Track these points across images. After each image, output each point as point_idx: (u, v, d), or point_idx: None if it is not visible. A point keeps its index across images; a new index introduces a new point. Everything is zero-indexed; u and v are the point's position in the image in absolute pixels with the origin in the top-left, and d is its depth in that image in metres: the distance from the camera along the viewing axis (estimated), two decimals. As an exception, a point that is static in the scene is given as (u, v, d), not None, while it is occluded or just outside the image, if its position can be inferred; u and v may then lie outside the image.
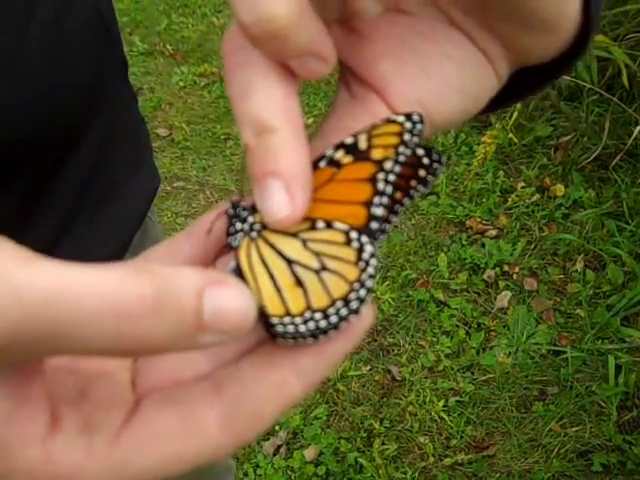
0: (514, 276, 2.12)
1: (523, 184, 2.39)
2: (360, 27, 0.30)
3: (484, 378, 1.88)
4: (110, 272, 0.21)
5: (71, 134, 0.54)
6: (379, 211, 0.27)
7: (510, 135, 2.41)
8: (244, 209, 0.28)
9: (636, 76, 2.15)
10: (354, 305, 0.26)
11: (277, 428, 1.82)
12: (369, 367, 1.94)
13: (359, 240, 0.27)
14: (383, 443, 1.78)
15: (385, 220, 0.29)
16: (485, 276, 2.13)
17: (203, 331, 0.22)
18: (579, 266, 2.11)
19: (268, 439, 1.80)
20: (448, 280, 2.13)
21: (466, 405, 1.83)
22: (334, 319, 0.26)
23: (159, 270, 0.21)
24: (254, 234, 0.27)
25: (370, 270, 0.26)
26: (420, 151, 0.29)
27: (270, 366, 0.26)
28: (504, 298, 2.06)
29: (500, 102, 0.34)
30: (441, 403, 1.83)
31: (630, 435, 1.70)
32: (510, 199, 2.35)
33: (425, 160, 0.29)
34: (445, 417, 1.81)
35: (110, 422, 0.24)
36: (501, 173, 2.43)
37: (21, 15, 0.45)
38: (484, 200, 2.36)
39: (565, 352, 1.89)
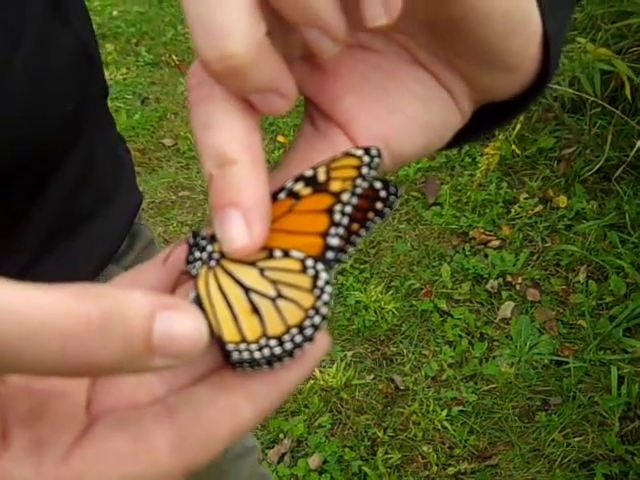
0: (517, 286, 2.13)
1: (526, 195, 2.40)
2: (324, 63, 0.31)
3: (487, 388, 1.89)
4: (58, 292, 0.20)
5: (53, 156, 0.55)
6: (334, 241, 0.28)
7: (513, 147, 2.42)
8: (203, 238, 0.28)
9: (639, 89, 2.16)
10: (308, 332, 0.26)
11: (281, 436, 1.83)
12: (373, 376, 1.95)
13: (314, 268, 0.27)
14: (387, 452, 1.78)
15: (341, 250, 0.29)
16: (488, 286, 2.14)
17: (152, 354, 0.21)
18: (582, 277, 2.12)
19: (272, 447, 1.81)
20: (451, 290, 2.14)
21: (469, 415, 1.84)
22: (289, 346, 0.26)
23: (109, 291, 0.21)
24: (213, 263, 0.28)
25: (325, 297, 0.27)
26: (378, 184, 0.29)
27: (222, 391, 0.26)
28: (507, 308, 2.07)
29: (463, 137, 0.35)
30: (444, 412, 1.84)
31: (632, 445, 1.71)
32: (513, 210, 2.36)
33: (382, 193, 0.29)
34: (448, 426, 1.82)
35: (61, 441, 0.24)
36: (504, 184, 2.44)
37: (4, 47, 0.45)
38: (487, 211, 2.38)
39: (568, 362, 1.90)
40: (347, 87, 0.31)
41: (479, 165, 2.38)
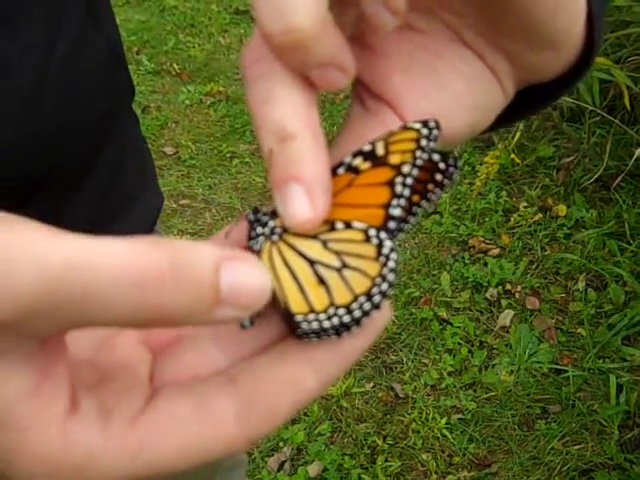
0: (516, 295, 2.14)
1: (525, 204, 2.41)
2: (373, 43, 0.31)
3: (486, 396, 1.90)
4: (131, 243, 0.21)
5: (85, 161, 0.56)
6: (397, 212, 0.28)
7: (512, 155, 2.43)
8: (264, 214, 0.29)
9: (638, 98, 2.18)
10: (377, 299, 0.26)
11: (281, 444, 1.83)
12: (372, 384, 1.96)
13: (378, 237, 0.27)
14: (386, 460, 1.79)
15: (403, 220, 0.29)
16: (487, 295, 2.14)
17: (220, 304, 0.22)
18: (581, 285, 2.12)
19: (272, 455, 1.82)
20: (451, 298, 2.15)
21: (469, 423, 1.85)
22: (358, 314, 0.26)
23: (178, 243, 0.22)
24: (275, 237, 0.28)
25: (391, 264, 0.27)
26: (436, 156, 0.29)
27: (285, 361, 0.26)
28: (506, 317, 2.08)
29: (505, 120, 0.36)
30: (444, 420, 1.85)
31: (632, 454, 1.71)
32: (512, 219, 2.37)
33: (441, 165, 0.30)
34: (448, 434, 1.82)
35: (127, 407, 0.25)
36: (504, 193, 2.45)
37: (42, 53, 0.46)
38: (487, 219, 2.38)
39: (567, 371, 1.90)
40: (395, 66, 0.31)
41: (478, 174, 2.39)
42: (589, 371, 1.89)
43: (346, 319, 0.26)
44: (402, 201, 0.28)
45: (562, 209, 2.34)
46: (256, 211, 0.29)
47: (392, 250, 0.27)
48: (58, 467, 0.23)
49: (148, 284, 0.21)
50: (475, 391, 1.92)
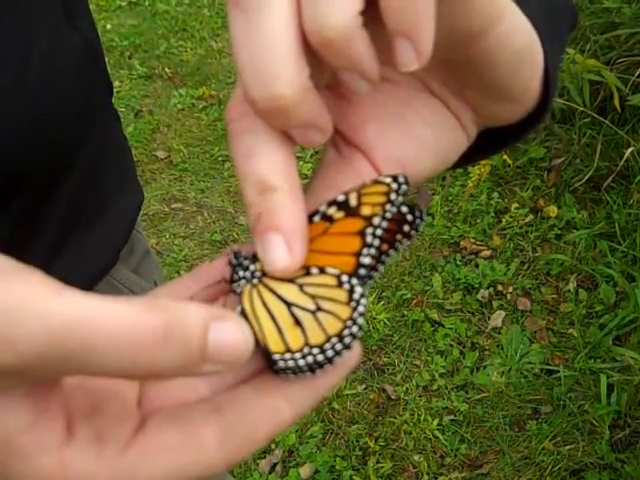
0: (508, 296, 2.14)
1: (517, 205, 2.41)
2: (347, 93, 0.33)
3: (478, 397, 1.90)
4: (128, 305, 0.23)
5: (64, 158, 0.56)
6: (367, 260, 0.30)
7: (504, 157, 2.44)
8: (245, 258, 0.31)
9: (628, 99, 2.18)
10: (347, 340, 0.29)
11: (273, 446, 1.83)
12: (364, 386, 1.96)
13: (349, 282, 0.30)
14: (378, 461, 1.79)
15: (372, 268, 0.31)
16: (479, 296, 2.15)
17: (206, 361, 0.24)
18: (572, 286, 2.13)
19: (264, 457, 1.82)
20: (442, 300, 2.15)
21: (460, 424, 1.85)
22: (330, 353, 0.28)
23: (170, 305, 0.24)
24: (255, 280, 0.30)
25: (361, 309, 0.29)
26: (404, 209, 0.32)
27: (265, 393, 0.28)
28: (498, 318, 2.08)
29: (466, 159, 0.38)
30: (435, 422, 1.85)
31: (622, 453, 1.72)
32: (504, 220, 2.38)
33: (409, 217, 0.32)
34: (439, 436, 1.82)
35: (119, 434, 0.27)
36: (495, 194, 2.46)
37: (22, 46, 0.47)
38: (478, 221, 2.39)
39: (558, 371, 1.91)
40: (368, 116, 0.34)
41: (470, 175, 2.40)
42: (580, 371, 1.90)
43: (319, 358, 0.28)
44: (372, 250, 0.31)
45: (553, 210, 2.35)
46: (237, 255, 0.31)
47: (362, 296, 0.29)
48: None
49: (143, 345, 0.23)
50: (467, 392, 1.92)
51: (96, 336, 0.22)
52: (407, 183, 0.31)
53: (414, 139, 0.34)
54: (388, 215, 0.31)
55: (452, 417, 1.87)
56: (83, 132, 0.57)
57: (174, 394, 0.29)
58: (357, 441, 1.83)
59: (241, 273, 0.31)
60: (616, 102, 2.10)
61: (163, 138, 3.08)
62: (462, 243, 2.33)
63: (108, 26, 3.95)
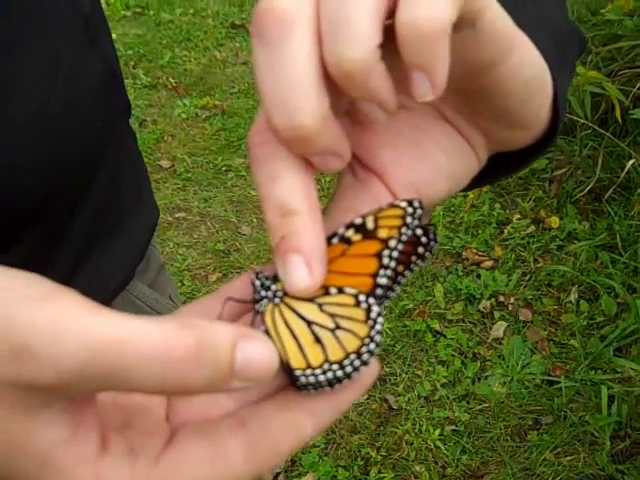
0: (509, 307, 2.15)
1: (519, 216, 2.43)
2: (364, 120, 0.34)
3: (479, 407, 1.91)
4: (161, 325, 0.25)
5: (85, 177, 0.57)
6: (383, 280, 0.32)
7: (506, 168, 2.44)
8: (267, 278, 0.32)
9: (629, 111, 2.19)
10: (365, 357, 0.30)
11: (275, 456, 1.84)
12: (366, 396, 1.97)
13: (367, 302, 0.31)
14: (380, 471, 1.80)
15: (389, 288, 0.33)
16: (481, 306, 2.16)
17: (233, 378, 0.26)
18: (573, 297, 2.14)
19: (266, 467, 1.82)
20: (444, 310, 2.16)
21: (462, 434, 1.86)
22: (349, 369, 0.30)
23: (200, 324, 0.25)
24: (277, 300, 0.32)
25: (378, 327, 0.31)
26: (419, 231, 0.33)
27: (287, 408, 0.30)
28: (499, 328, 2.09)
29: (478, 181, 0.40)
30: (437, 432, 1.86)
31: (623, 465, 1.73)
32: (506, 231, 2.39)
33: (423, 239, 0.34)
34: (441, 446, 1.83)
35: (151, 447, 0.28)
36: (497, 205, 2.47)
37: (47, 75, 0.48)
38: (480, 232, 2.40)
39: (559, 382, 1.92)
40: (384, 142, 0.35)
41: (472, 186, 2.40)
42: (581, 382, 1.91)
43: (339, 374, 0.30)
44: (388, 272, 0.32)
45: (555, 221, 2.36)
46: (258, 275, 0.33)
47: (379, 315, 0.31)
48: None
49: (175, 364, 0.24)
50: (468, 402, 1.93)
51: (130, 356, 0.24)
52: (422, 207, 0.32)
53: (429, 164, 0.36)
54: (404, 238, 0.32)
55: (453, 427, 1.87)
56: (102, 152, 0.58)
57: (200, 409, 0.31)
58: (359, 451, 1.84)
59: (263, 293, 0.32)
60: (618, 114, 2.11)
61: (167, 147, 3.10)
62: (464, 254, 2.34)
63: (113, 36, 3.91)
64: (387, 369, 2.03)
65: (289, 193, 0.29)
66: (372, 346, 0.30)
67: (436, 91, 0.27)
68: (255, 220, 2.65)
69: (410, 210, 0.32)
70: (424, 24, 0.26)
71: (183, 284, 2.36)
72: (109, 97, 0.57)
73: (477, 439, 1.85)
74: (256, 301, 0.32)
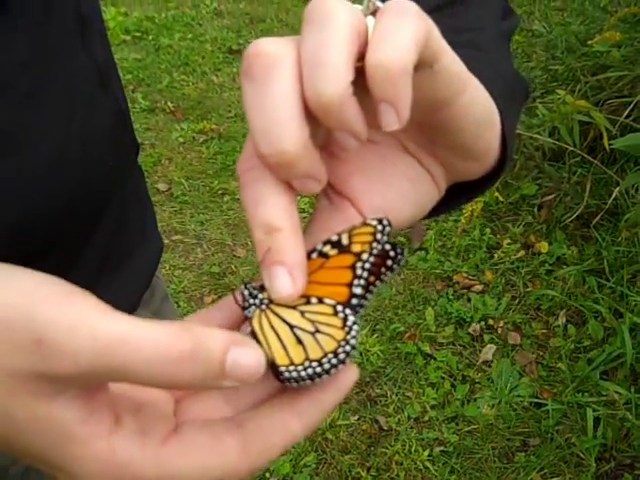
0: (498, 330, 2.19)
1: (509, 241, 2.47)
2: (337, 151, 0.40)
3: (468, 429, 1.94)
4: (164, 328, 0.29)
5: (95, 214, 0.60)
6: (358, 290, 0.37)
7: (496, 193, 2.49)
8: (254, 288, 0.37)
9: (616, 139, 2.24)
10: (342, 356, 0.34)
11: (267, 475, 1.87)
12: (357, 417, 2.00)
13: (344, 312, 0.36)
14: (370, 491, 1.82)
15: (362, 297, 0.37)
16: (470, 330, 2.20)
17: (225, 378, 0.30)
18: (561, 321, 2.18)
19: (258, 486, 1.85)
20: (435, 333, 2.20)
21: (450, 455, 1.89)
22: (327, 366, 0.34)
23: (198, 330, 0.30)
24: (264, 307, 0.36)
25: (353, 333, 0.35)
26: (388, 246, 0.38)
27: (279, 410, 0.34)
28: (489, 351, 2.13)
29: (437, 209, 0.44)
30: (426, 453, 1.89)
31: (608, 486, 1.76)
32: (496, 255, 2.43)
33: (392, 253, 0.38)
34: (430, 466, 1.86)
35: (159, 430, 0.33)
36: (488, 230, 2.52)
37: (63, 124, 0.51)
38: (471, 256, 2.45)
39: (546, 404, 1.95)
40: (355, 170, 0.40)
41: (463, 211, 2.45)
42: (568, 405, 1.94)
43: (318, 370, 0.34)
44: (362, 281, 0.37)
45: (544, 246, 2.40)
46: (247, 285, 0.37)
47: (354, 323, 0.36)
48: (106, 466, 0.31)
49: (173, 361, 0.29)
50: (457, 424, 1.96)
51: (134, 353, 0.28)
52: (390, 225, 0.37)
53: (395, 191, 0.40)
54: (375, 251, 0.37)
55: (442, 448, 1.91)
56: (112, 191, 0.61)
57: (202, 411, 0.36)
58: (350, 471, 1.87)
59: (251, 300, 0.36)
60: (605, 142, 2.16)
61: (164, 171, 3.14)
62: (455, 277, 2.38)
63: (112, 60, 4.01)
64: (378, 390, 2.06)
65: (273, 213, 0.33)
66: (348, 347, 0.34)
67: (401, 121, 0.32)
68: (250, 243, 2.69)
69: (380, 227, 0.37)
70: (390, 65, 0.31)
71: (179, 306, 2.39)
72: (120, 138, 0.60)
73: (466, 460, 1.88)
74: (245, 308, 0.37)
